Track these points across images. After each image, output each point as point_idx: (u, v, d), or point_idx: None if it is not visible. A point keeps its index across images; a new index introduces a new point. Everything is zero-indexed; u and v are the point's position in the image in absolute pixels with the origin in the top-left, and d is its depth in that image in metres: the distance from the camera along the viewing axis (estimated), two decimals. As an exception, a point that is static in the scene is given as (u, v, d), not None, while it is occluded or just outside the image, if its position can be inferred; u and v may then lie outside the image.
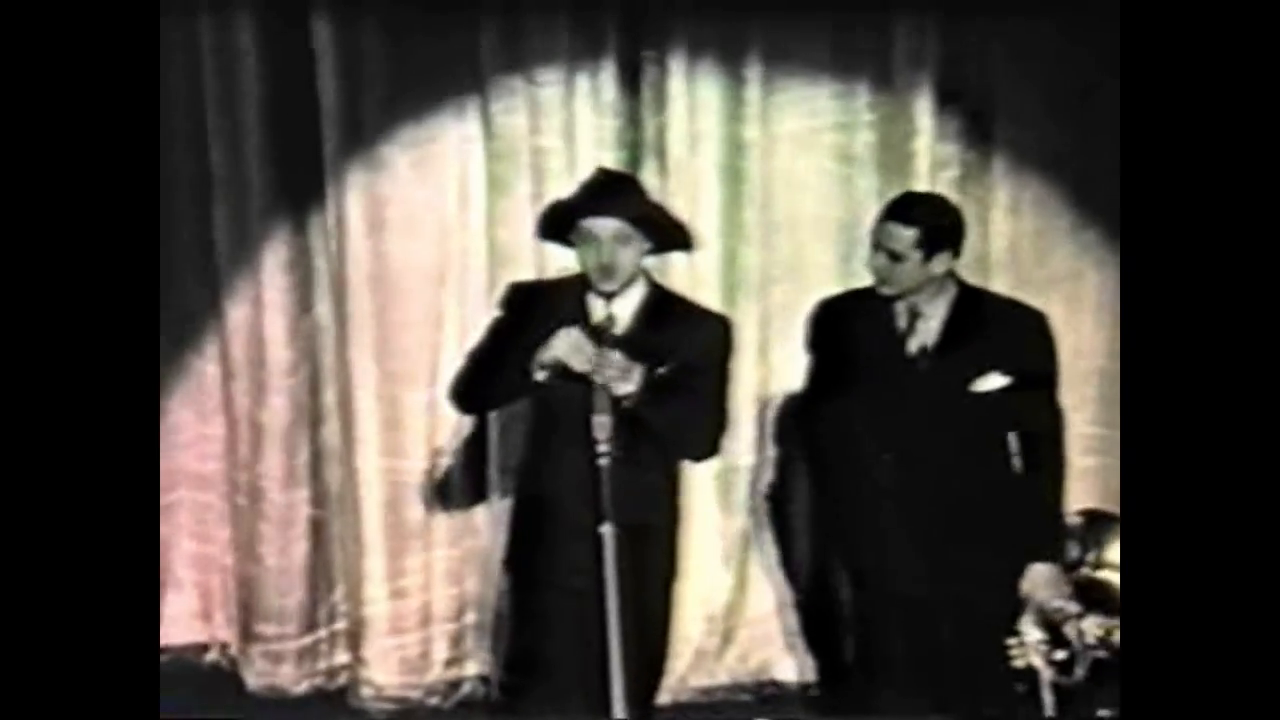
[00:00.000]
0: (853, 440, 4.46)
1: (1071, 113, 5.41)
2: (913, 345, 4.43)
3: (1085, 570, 4.47)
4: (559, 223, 4.32)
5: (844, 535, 4.63)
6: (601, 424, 4.06)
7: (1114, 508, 4.53)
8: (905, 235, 4.33)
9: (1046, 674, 4.35)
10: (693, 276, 5.26)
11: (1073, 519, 4.60)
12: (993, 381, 4.37)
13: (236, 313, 5.51)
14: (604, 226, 4.21)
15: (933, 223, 4.36)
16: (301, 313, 5.53)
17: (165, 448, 5.48)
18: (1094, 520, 4.56)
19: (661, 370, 4.13)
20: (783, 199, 5.51)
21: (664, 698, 4.91)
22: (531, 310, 4.34)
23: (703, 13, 5.38)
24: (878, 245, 4.39)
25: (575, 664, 4.17)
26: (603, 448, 4.07)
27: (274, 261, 5.48)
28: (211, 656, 5.75)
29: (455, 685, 5.58)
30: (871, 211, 4.64)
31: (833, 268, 5.43)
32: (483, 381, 4.36)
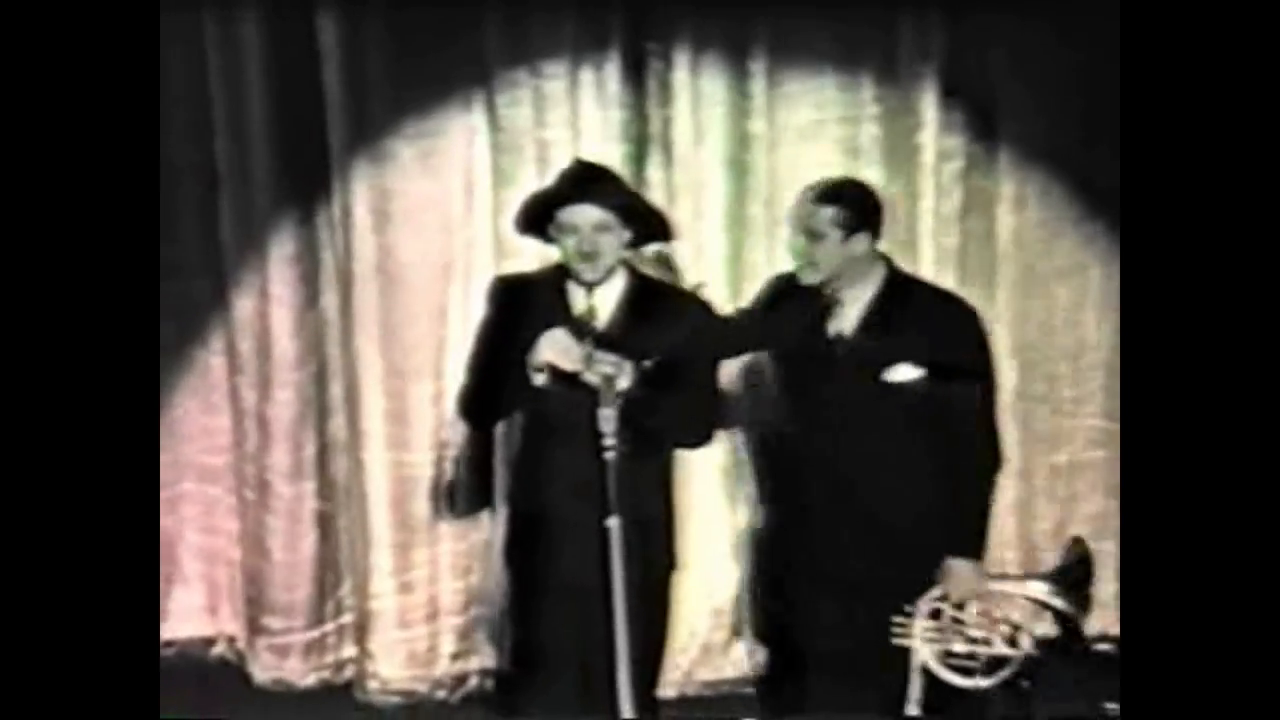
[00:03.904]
0: (776, 426, 4.44)
1: (1076, 105, 5.39)
2: (830, 330, 4.41)
3: (1050, 590, 4.42)
4: (537, 215, 4.30)
5: (772, 524, 4.66)
6: (606, 417, 4.01)
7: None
8: (823, 213, 4.34)
9: (921, 658, 4.34)
10: (698, 269, 5.26)
11: (1071, 540, 4.56)
12: (903, 372, 4.34)
13: (243, 306, 5.51)
14: (584, 215, 4.20)
15: (851, 202, 4.37)
16: (307, 306, 5.53)
17: (172, 441, 5.50)
18: (1080, 554, 4.47)
19: (647, 363, 4.11)
20: (788, 192, 5.48)
21: (670, 691, 4.92)
22: (515, 304, 4.33)
23: (707, 6, 5.36)
24: (796, 227, 4.39)
25: (578, 658, 4.16)
26: (608, 441, 4.01)
27: (280, 255, 5.48)
28: (218, 650, 5.75)
29: (462, 679, 5.58)
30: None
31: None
32: (486, 396, 4.35)
